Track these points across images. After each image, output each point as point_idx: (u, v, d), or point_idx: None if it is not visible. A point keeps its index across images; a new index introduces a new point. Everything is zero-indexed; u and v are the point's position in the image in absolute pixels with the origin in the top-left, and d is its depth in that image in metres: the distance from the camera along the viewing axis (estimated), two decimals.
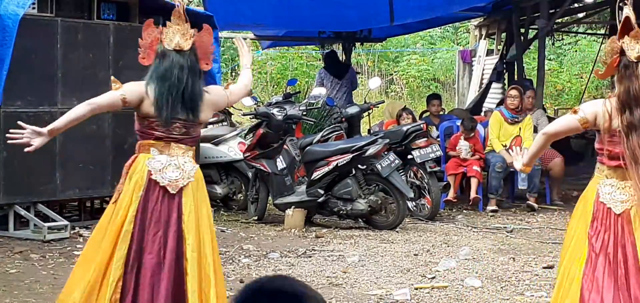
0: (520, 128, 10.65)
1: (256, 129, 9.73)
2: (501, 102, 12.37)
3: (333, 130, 10.46)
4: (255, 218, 9.54)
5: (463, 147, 10.56)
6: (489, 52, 17.48)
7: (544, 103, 13.85)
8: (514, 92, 10.94)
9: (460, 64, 19.55)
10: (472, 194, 10.47)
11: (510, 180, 10.92)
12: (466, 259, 7.79)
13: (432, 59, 24.00)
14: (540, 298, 6.50)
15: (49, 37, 8.45)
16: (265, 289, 2.23)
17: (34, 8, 8.40)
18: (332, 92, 13.49)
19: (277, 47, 19.87)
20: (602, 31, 17.26)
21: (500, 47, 16.19)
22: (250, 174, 9.71)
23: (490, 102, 14.89)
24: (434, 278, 7.10)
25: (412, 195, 9.46)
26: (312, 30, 14.66)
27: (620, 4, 4.64)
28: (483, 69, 17.30)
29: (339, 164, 9.08)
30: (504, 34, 15.84)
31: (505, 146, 10.67)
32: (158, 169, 4.89)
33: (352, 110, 11.68)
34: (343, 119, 11.44)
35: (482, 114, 13.48)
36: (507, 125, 10.70)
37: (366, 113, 12.21)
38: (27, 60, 8.26)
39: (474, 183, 10.48)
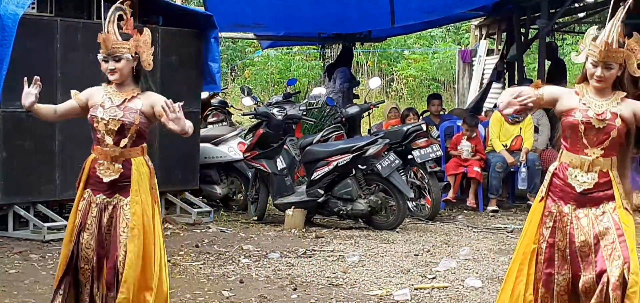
0: (520, 128, 10.64)
1: (256, 129, 9.72)
2: None
3: (333, 130, 10.46)
4: (255, 218, 9.53)
5: (465, 147, 10.54)
6: (489, 52, 17.46)
7: None
8: None
9: (461, 64, 19.53)
10: (470, 198, 10.46)
11: (510, 180, 10.90)
12: (466, 259, 7.78)
13: (432, 58, 23.96)
14: None
15: (48, 37, 8.43)
16: None
17: (33, 8, 8.38)
18: (329, 93, 13.50)
19: (277, 47, 19.85)
20: None
21: (500, 47, 16.17)
22: (250, 175, 9.69)
23: (490, 102, 14.87)
24: (434, 278, 7.09)
25: (412, 195, 9.45)
26: (312, 31, 14.64)
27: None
28: (483, 69, 17.28)
29: (339, 165, 9.07)
30: (504, 34, 15.81)
31: (506, 146, 10.66)
32: None
33: (352, 110, 11.67)
34: (343, 119, 11.43)
35: (483, 114, 13.47)
36: (507, 125, 10.69)
37: (366, 113, 12.20)
38: (26, 60, 8.23)
39: (473, 186, 10.47)
